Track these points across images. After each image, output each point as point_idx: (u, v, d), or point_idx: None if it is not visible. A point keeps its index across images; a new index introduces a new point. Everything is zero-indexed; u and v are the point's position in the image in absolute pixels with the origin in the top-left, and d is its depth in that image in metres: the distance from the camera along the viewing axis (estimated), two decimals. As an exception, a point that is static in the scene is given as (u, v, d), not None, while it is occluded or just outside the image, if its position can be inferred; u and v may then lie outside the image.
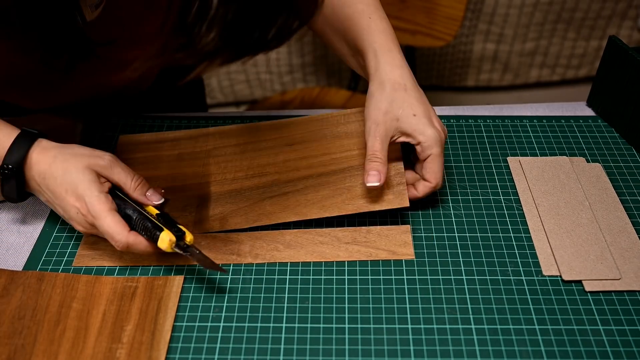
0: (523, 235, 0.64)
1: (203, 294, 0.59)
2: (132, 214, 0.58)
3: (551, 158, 0.73)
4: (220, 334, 0.55)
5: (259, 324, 0.56)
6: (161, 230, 0.56)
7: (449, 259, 0.62)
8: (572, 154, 0.74)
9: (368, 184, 0.62)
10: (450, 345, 0.54)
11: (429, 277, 0.60)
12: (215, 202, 0.67)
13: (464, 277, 0.60)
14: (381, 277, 0.60)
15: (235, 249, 0.63)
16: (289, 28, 0.44)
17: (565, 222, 0.65)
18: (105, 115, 0.81)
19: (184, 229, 0.58)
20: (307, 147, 0.72)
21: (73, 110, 0.80)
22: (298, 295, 0.59)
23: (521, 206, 0.67)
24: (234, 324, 0.56)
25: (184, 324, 0.56)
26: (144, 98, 0.86)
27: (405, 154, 0.67)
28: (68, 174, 0.58)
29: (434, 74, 1.80)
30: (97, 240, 0.63)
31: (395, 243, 0.63)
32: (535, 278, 0.60)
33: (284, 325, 0.56)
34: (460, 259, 0.62)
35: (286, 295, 0.59)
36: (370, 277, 0.60)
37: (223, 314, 0.57)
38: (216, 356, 0.54)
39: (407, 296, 0.58)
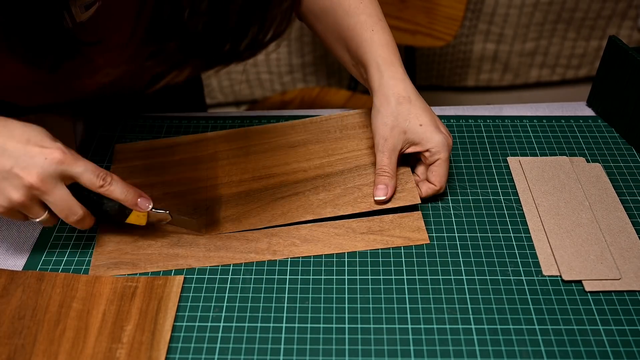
0: (523, 235, 0.64)
1: (203, 294, 0.59)
2: (96, 197, 0.57)
3: (551, 158, 0.73)
4: (220, 334, 0.55)
5: (259, 324, 0.56)
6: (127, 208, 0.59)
7: (449, 259, 0.62)
8: (572, 154, 0.74)
9: (376, 198, 0.65)
10: (450, 345, 0.54)
11: (429, 277, 0.60)
12: (226, 204, 0.67)
13: (464, 277, 0.60)
14: (381, 277, 0.60)
15: (253, 247, 0.63)
16: (260, 42, 0.44)
17: (565, 222, 0.65)
18: (105, 115, 0.81)
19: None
20: (310, 148, 0.73)
21: (72, 108, 0.80)
22: (298, 295, 0.59)
23: (521, 206, 0.67)
24: (234, 324, 0.56)
25: (184, 324, 0.56)
26: (144, 98, 0.86)
27: (407, 155, 0.68)
28: (30, 128, 0.55)
29: (434, 74, 1.80)
30: (110, 250, 0.63)
31: (409, 229, 0.64)
32: (535, 278, 0.60)
33: (284, 325, 0.56)
34: (460, 259, 0.62)
35: (286, 295, 0.59)
36: (370, 277, 0.60)
37: (223, 314, 0.57)
38: (216, 356, 0.54)
39: (407, 296, 0.58)
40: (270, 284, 0.60)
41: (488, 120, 0.80)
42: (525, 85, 1.82)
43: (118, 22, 0.62)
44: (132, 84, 0.81)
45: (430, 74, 1.79)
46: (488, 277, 0.60)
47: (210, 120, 0.81)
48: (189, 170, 0.72)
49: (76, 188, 0.56)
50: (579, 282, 0.59)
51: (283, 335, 0.55)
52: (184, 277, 0.60)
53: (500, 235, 0.64)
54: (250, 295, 0.59)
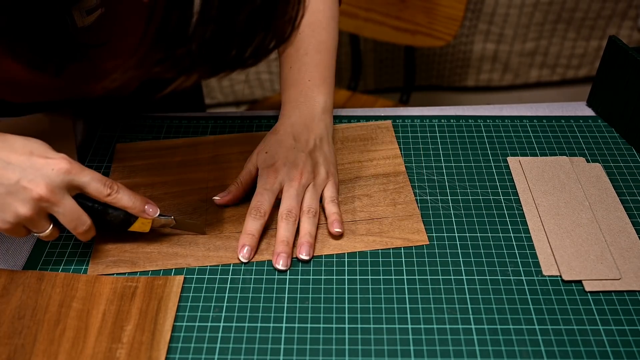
0: (523, 235, 0.64)
1: (203, 294, 0.59)
2: (100, 206, 0.57)
3: (551, 158, 0.73)
4: (220, 334, 0.55)
5: (259, 324, 0.56)
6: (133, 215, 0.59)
7: (449, 259, 0.62)
8: (572, 154, 0.74)
9: (214, 198, 0.67)
10: (450, 345, 0.54)
11: (429, 277, 0.60)
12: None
13: (464, 277, 0.60)
14: (381, 277, 0.60)
15: None
16: (265, 47, 0.45)
17: (565, 222, 0.65)
18: (105, 115, 0.81)
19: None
20: None
21: (73, 108, 0.80)
22: (298, 295, 0.59)
23: (521, 206, 0.67)
24: (234, 324, 0.56)
25: (184, 324, 0.56)
26: (144, 98, 0.86)
27: None
28: (31, 141, 0.54)
29: (434, 74, 1.80)
30: (109, 248, 0.63)
31: (408, 231, 0.64)
32: (535, 278, 0.60)
33: (284, 325, 0.56)
34: (460, 259, 0.62)
35: (286, 295, 0.59)
36: (370, 277, 0.60)
37: (223, 314, 0.57)
38: (216, 356, 0.54)
39: (407, 296, 0.58)
40: (270, 284, 0.60)
41: (488, 120, 0.80)
42: (525, 85, 1.82)
43: (125, 28, 0.62)
44: (119, 91, 0.81)
45: (430, 74, 1.79)
46: (488, 277, 0.60)
47: (210, 120, 0.81)
48: (190, 171, 0.72)
49: (79, 200, 0.56)
50: (579, 282, 0.59)
51: (283, 335, 0.55)
52: (184, 277, 0.60)
53: (500, 235, 0.64)
54: (250, 295, 0.59)
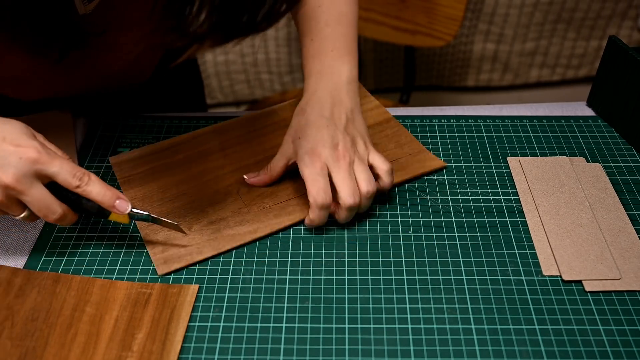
0: (523, 235, 0.64)
1: (203, 294, 0.59)
2: (74, 196, 0.56)
3: (551, 158, 0.73)
4: (220, 334, 0.55)
5: (259, 324, 0.56)
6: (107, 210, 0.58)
7: (449, 259, 0.62)
8: (572, 154, 0.74)
9: (245, 176, 0.69)
10: (450, 345, 0.54)
11: (429, 277, 0.60)
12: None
13: (464, 277, 0.60)
14: (381, 277, 0.60)
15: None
16: (277, 11, 0.44)
17: (565, 222, 0.65)
18: (105, 115, 0.81)
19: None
20: None
21: (73, 106, 0.80)
22: (298, 296, 0.59)
23: (521, 206, 0.67)
24: (234, 324, 0.56)
25: (194, 332, 0.56)
26: (144, 98, 0.86)
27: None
28: (7, 125, 0.54)
29: (434, 74, 1.80)
30: (164, 247, 0.63)
31: (425, 161, 0.71)
32: (535, 278, 0.60)
33: (284, 325, 0.56)
34: (460, 259, 0.62)
35: (286, 295, 0.59)
36: (370, 277, 0.60)
37: (223, 314, 0.57)
38: (216, 356, 0.54)
39: (407, 296, 0.58)
40: (270, 284, 0.60)
41: (488, 120, 0.80)
42: (525, 85, 1.82)
43: (128, 14, 0.62)
44: (137, 77, 0.81)
45: (430, 74, 1.80)
46: (488, 277, 0.60)
47: (210, 120, 0.81)
48: (198, 164, 0.72)
49: (55, 186, 0.55)
50: (579, 282, 0.59)
51: (283, 335, 0.55)
52: (198, 286, 0.60)
53: (500, 235, 0.64)
54: (251, 295, 0.59)
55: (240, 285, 0.60)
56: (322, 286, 0.59)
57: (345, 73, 0.70)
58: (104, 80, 0.75)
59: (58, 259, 0.62)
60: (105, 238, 0.65)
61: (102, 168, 0.73)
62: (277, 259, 0.62)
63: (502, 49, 1.71)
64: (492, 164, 0.73)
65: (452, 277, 0.60)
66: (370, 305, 0.57)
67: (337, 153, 0.62)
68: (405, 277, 0.60)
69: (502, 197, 0.69)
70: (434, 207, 0.68)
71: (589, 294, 0.58)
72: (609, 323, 0.55)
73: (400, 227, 0.65)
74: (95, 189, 0.55)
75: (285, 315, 0.57)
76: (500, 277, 0.60)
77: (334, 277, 0.60)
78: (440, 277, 0.60)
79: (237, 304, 0.58)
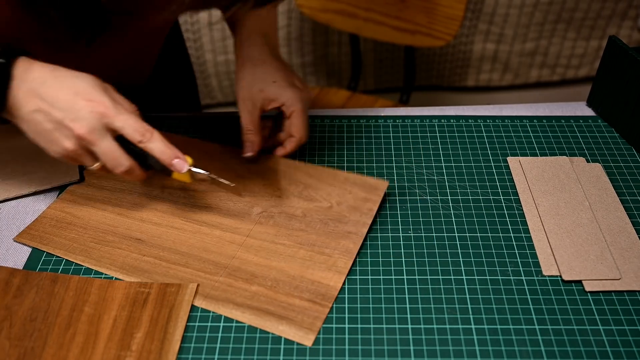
0: (523, 235, 0.64)
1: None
2: (141, 150, 0.59)
3: (551, 158, 0.73)
4: (220, 334, 0.55)
5: (259, 324, 0.56)
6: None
7: (449, 259, 0.62)
8: (572, 154, 0.74)
9: (244, 155, 0.69)
10: (450, 345, 0.54)
11: (429, 277, 0.60)
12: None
13: (464, 277, 0.60)
14: (381, 277, 0.60)
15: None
16: None
17: (565, 222, 0.65)
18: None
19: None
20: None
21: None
22: (298, 295, 0.59)
23: (521, 206, 0.67)
24: (234, 324, 0.56)
25: (194, 332, 0.56)
26: (141, 98, 0.86)
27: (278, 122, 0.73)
28: (82, 78, 0.57)
29: (434, 74, 1.80)
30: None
31: (369, 194, 0.68)
32: (535, 278, 0.60)
33: (284, 325, 0.56)
34: (460, 259, 0.62)
35: (286, 295, 0.59)
36: (370, 277, 0.60)
37: (223, 314, 0.57)
38: (216, 356, 0.54)
39: (407, 296, 0.58)
40: (270, 284, 0.60)
41: (488, 120, 0.80)
42: (525, 85, 1.82)
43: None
44: (139, 75, 0.81)
45: (430, 74, 1.79)
46: (488, 277, 0.60)
47: (210, 120, 0.80)
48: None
49: (126, 141, 0.58)
50: (579, 282, 0.59)
51: (283, 336, 0.55)
52: (197, 285, 0.60)
53: (500, 235, 0.64)
54: (250, 295, 0.59)
55: (240, 285, 0.60)
56: (322, 286, 0.59)
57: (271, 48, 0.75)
58: (106, 81, 0.76)
59: (57, 259, 0.62)
60: (105, 238, 0.65)
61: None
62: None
63: (502, 49, 1.71)
64: (492, 164, 0.73)
65: (452, 277, 0.60)
66: (370, 305, 0.57)
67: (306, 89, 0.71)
68: (405, 277, 0.60)
69: (502, 197, 0.69)
70: (434, 207, 0.68)
71: (589, 294, 0.58)
72: (609, 323, 0.55)
73: (400, 227, 0.65)
74: (156, 146, 0.58)
75: (285, 315, 0.57)
76: (500, 277, 0.60)
77: (334, 277, 0.60)
78: (440, 277, 0.60)
79: (237, 304, 0.58)
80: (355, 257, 0.62)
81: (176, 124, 0.80)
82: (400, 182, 0.71)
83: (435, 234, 0.64)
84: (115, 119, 0.57)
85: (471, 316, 0.56)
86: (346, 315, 0.57)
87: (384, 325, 0.56)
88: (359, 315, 0.57)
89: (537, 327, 0.55)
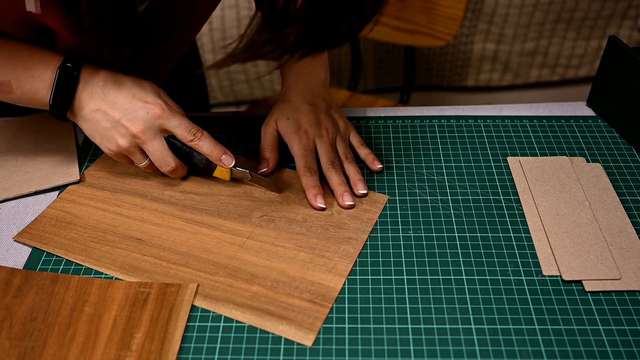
0: (523, 235, 0.64)
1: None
2: (188, 149, 0.66)
3: (551, 158, 0.73)
4: (220, 334, 0.55)
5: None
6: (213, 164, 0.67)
7: (449, 259, 0.62)
8: (572, 154, 0.74)
9: (259, 171, 0.70)
10: (450, 345, 0.54)
11: (429, 277, 0.60)
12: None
13: (464, 277, 0.60)
14: (381, 277, 0.60)
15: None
16: (360, 25, 0.48)
17: (565, 222, 0.65)
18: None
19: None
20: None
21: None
22: (298, 295, 0.59)
23: (521, 206, 0.67)
24: (234, 324, 0.56)
25: (194, 332, 0.56)
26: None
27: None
28: (139, 83, 0.64)
29: (434, 74, 1.80)
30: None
31: (373, 205, 0.68)
32: (535, 278, 0.60)
33: (284, 325, 0.56)
34: (460, 259, 0.62)
35: (286, 295, 0.59)
36: (370, 277, 0.60)
37: (223, 314, 0.57)
38: (216, 356, 0.54)
39: (407, 296, 0.58)
40: (270, 284, 0.60)
41: (488, 120, 0.80)
42: (525, 85, 1.82)
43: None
44: (155, 78, 0.82)
45: (430, 74, 1.80)
46: (488, 277, 0.60)
47: (211, 120, 0.81)
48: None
49: (173, 142, 0.65)
50: (579, 282, 0.59)
51: (283, 336, 0.55)
52: (197, 285, 0.60)
53: (500, 235, 0.64)
54: (250, 295, 0.59)
55: (240, 285, 0.60)
56: (322, 286, 0.59)
57: (322, 76, 0.77)
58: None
59: (57, 259, 0.62)
60: (105, 238, 0.65)
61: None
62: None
63: (502, 49, 1.71)
64: (492, 164, 0.73)
65: (452, 277, 0.60)
66: (370, 305, 0.57)
67: (322, 130, 0.71)
68: (405, 277, 0.60)
69: (502, 197, 0.69)
70: (434, 207, 0.68)
71: (589, 294, 0.58)
72: (609, 323, 0.55)
73: (400, 227, 0.65)
74: (205, 144, 0.65)
75: (285, 315, 0.57)
76: (500, 277, 0.60)
77: (334, 277, 0.60)
78: (440, 277, 0.60)
79: (237, 304, 0.58)
80: (355, 260, 0.62)
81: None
82: (400, 182, 0.71)
83: (435, 234, 0.64)
84: (169, 119, 0.63)
85: (471, 316, 0.56)
86: (346, 315, 0.57)
87: (384, 325, 0.56)
88: (359, 315, 0.57)
89: (537, 327, 0.55)
